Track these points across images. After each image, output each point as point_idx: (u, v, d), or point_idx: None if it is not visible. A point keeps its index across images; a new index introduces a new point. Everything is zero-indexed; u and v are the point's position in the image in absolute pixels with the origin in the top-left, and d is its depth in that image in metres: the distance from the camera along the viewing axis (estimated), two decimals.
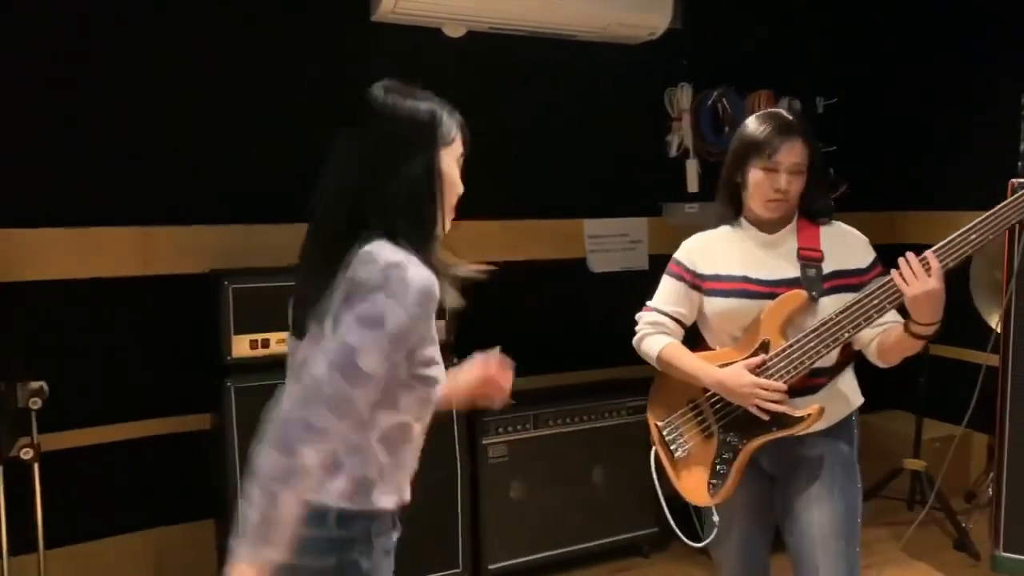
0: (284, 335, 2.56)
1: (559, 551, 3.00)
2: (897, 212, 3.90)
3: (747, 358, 1.85)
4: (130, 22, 2.62)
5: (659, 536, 3.09)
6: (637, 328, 2.01)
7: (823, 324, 1.78)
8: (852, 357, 1.90)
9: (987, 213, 1.76)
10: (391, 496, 1.36)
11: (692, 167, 3.35)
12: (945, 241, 1.73)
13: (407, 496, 1.41)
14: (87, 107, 2.60)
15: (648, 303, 2.02)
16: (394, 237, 1.26)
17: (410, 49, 2.92)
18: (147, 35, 2.65)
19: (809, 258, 1.88)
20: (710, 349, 1.96)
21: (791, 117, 1.92)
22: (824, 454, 1.86)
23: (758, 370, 1.82)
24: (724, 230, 1.98)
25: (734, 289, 1.90)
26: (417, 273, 1.23)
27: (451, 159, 1.36)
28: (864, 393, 1.96)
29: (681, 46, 3.28)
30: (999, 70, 3.49)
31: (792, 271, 1.87)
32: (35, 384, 2.31)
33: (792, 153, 1.85)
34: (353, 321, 1.22)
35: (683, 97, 3.35)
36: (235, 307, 2.51)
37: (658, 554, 3.15)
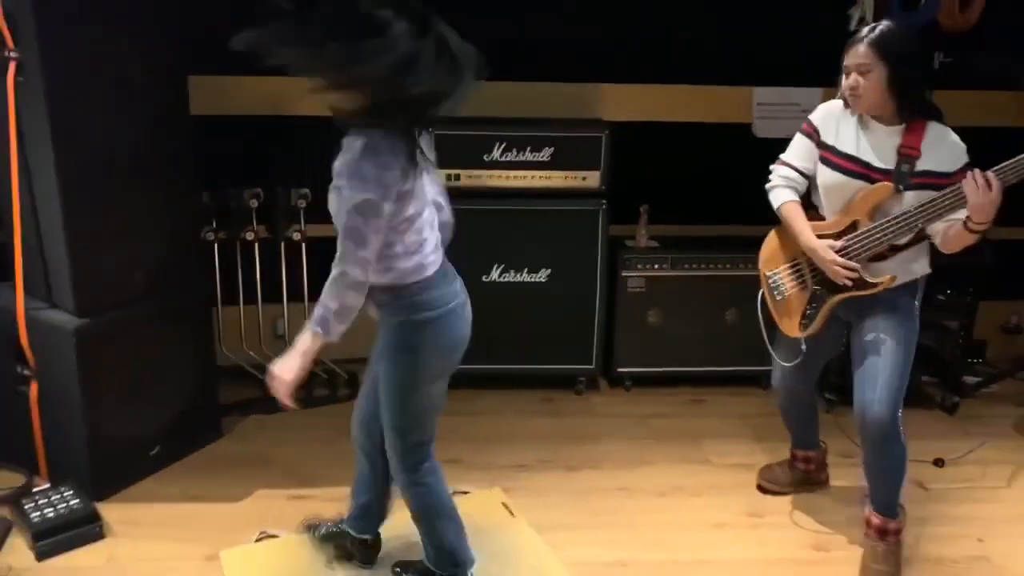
0: (471, 171, 3.39)
1: (683, 368, 3.64)
2: None
3: (839, 233, 2.32)
4: None
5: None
6: (771, 177, 2.49)
7: (903, 214, 2.21)
8: (923, 237, 2.29)
9: None
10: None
11: None
12: (1006, 163, 2.07)
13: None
14: None
15: (781, 156, 2.48)
16: None
17: None
18: None
19: (906, 155, 2.23)
20: (819, 215, 2.40)
21: (871, 28, 2.23)
22: (888, 304, 2.32)
23: (843, 244, 2.30)
24: (837, 105, 2.36)
25: (840, 165, 2.30)
26: None
27: None
28: None
29: None
30: None
31: (890, 163, 2.24)
32: (303, 190, 3.39)
33: (855, 55, 2.21)
34: None
35: None
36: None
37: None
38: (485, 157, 3.35)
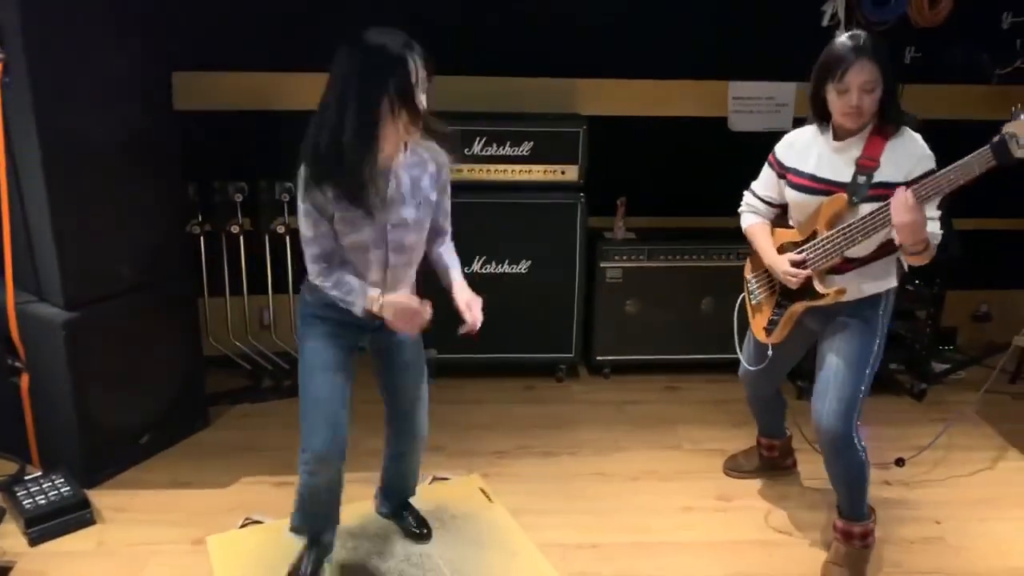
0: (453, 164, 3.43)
1: (660, 356, 3.74)
2: None
3: (802, 242, 2.35)
4: None
5: None
6: (741, 203, 2.57)
7: (847, 226, 2.21)
8: (890, 251, 2.26)
9: (961, 160, 2.00)
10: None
11: None
12: (924, 180, 2.04)
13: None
14: None
15: (752, 184, 2.54)
16: None
17: None
18: None
19: (865, 166, 2.20)
20: (790, 227, 2.44)
21: (863, 39, 2.15)
22: (850, 316, 2.33)
23: (801, 258, 2.32)
24: (813, 130, 2.34)
25: (801, 184, 2.32)
26: None
27: None
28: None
29: None
30: None
31: (846, 176, 2.22)
32: (286, 184, 3.46)
33: (861, 73, 2.12)
34: None
35: None
36: None
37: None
38: (466, 151, 3.42)
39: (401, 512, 2.59)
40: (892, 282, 2.34)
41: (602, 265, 3.60)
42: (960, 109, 3.65)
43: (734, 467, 3.00)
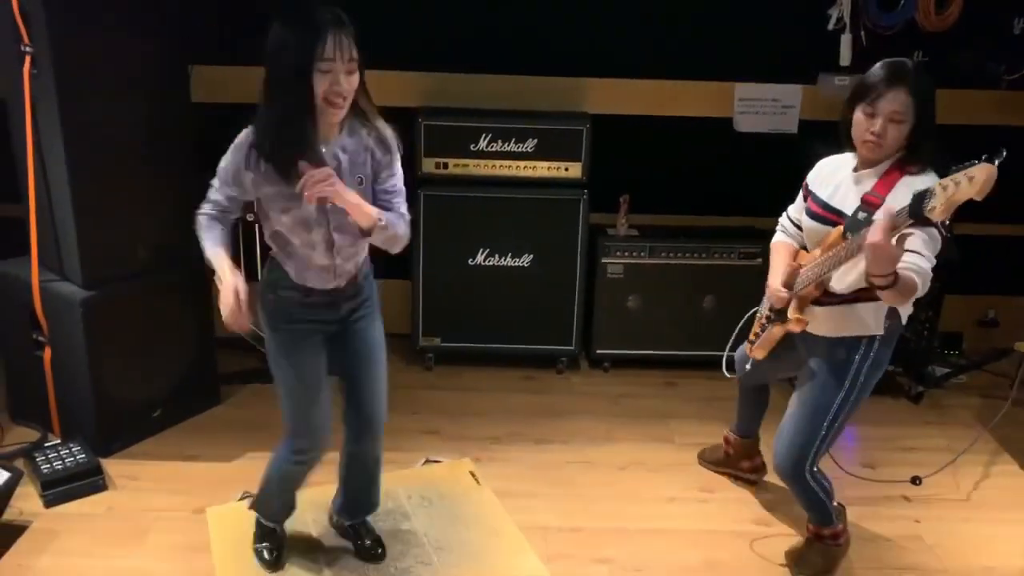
0: (458, 160, 3.56)
1: (659, 352, 3.80)
2: None
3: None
4: None
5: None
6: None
7: (825, 255, 2.17)
8: (873, 296, 2.08)
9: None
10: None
11: (846, 42, 3.53)
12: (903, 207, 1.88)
13: (308, 283, 2.11)
14: None
15: (788, 207, 2.51)
16: None
17: None
18: None
19: (869, 202, 2.11)
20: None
21: (906, 67, 2.07)
22: (825, 357, 2.31)
23: (790, 281, 2.31)
24: (846, 157, 2.27)
25: (814, 210, 2.31)
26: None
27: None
28: None
29: None
30: None
31: (850, 209, 2.15)
32: None
33: (894, 102, 2.03)
34: None
35: None
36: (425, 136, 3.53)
37: None
38: (472, 147, 3.53)
39: (359, 529, 2.51)
40: (876, 330, 2.24)
41: (604, 261, 3.68)
42: (968, 115, 3.65)
43: (702, 456, 3.08)
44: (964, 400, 3.62)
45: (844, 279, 2.21)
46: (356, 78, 1.94)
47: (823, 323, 2.30)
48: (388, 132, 2.08)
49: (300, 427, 2.24)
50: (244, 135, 2.02)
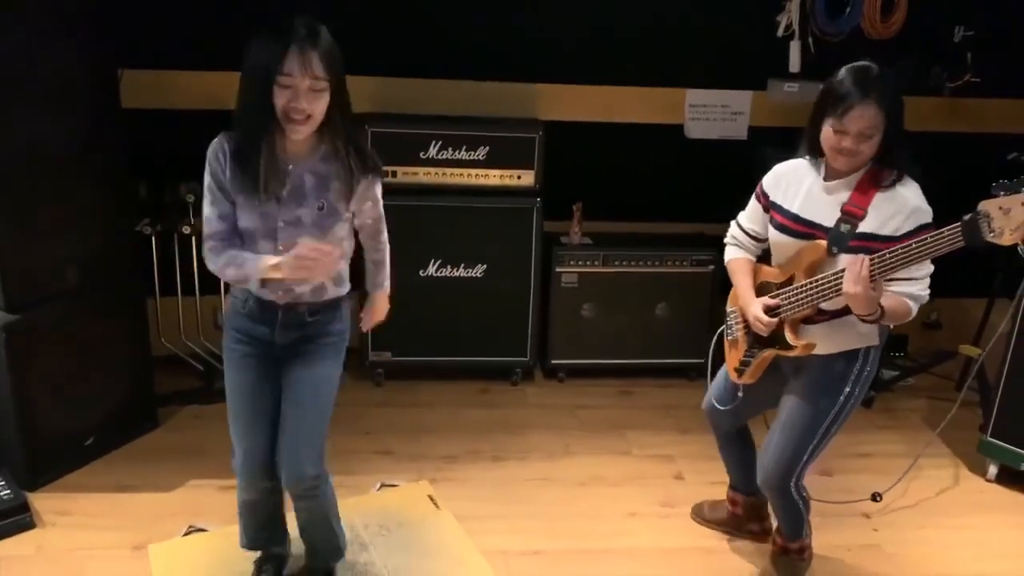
0: (407, 168, 3.44)
1: (614, 360, 3.76)
2: None
3: (779, 285, 2.21)
4: None
5: (703, 366, 3.72)
6: (727, 234, 2.39)
7: (820, 279, 2.05)
8: None
9: (922, 238, 1.89)
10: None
11: (795, 49, 3.54)
12: (880, 255, 1.92)
13: (255, 291, 2.01)
14: None
15: (738, 216, 2.37)
16: None
17: None
18: None
19: (850, 214, 2.03)
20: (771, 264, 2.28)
21: (873, 75, 1.97)
22: (820, 371, 2.20)
23: (775, 304, 2.17)
24: (805, 163, 2.17)
25: (783, 224, 2.17)
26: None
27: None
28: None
29: None
30: None
31: (830, 221, 2.06)
32: (191, 184, 3.32)
33: (862, 119, 1.94)
34: None
35: None
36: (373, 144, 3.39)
37: (703, 380, 3.80)
38: (421, 155, 3.42)
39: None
40: (872, 340, 2.17)
41: (557, 270, 3.62)
42: (912, 122, 3.68)
43: (697, 514, 2.81)
44: (913, 403, 3.68)
45: (837, 300, 2.09)
46: (323, 98, 1.85)
47: (820, 342, 2.18)
48: (372, 161, 2.02)
49: (234, 448, 2.17)
50: (213, 143, 1.97)
